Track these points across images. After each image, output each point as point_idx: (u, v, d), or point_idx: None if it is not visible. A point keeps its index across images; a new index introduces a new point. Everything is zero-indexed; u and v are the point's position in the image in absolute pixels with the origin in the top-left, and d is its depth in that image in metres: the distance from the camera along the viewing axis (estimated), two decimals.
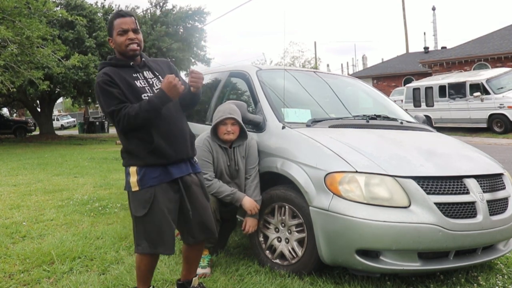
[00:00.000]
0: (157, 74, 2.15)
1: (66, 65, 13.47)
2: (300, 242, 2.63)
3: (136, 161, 2.02)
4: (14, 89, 12.05)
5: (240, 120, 2.83)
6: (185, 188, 2.09)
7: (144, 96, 2.03)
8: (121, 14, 2.09)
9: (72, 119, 40.99)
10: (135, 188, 2.02)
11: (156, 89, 2.07)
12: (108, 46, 17.27)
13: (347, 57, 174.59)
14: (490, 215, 2.43)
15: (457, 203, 2.37)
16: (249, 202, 2.75)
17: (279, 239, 2.77)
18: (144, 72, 2.12)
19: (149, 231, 2.02)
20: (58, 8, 15.74)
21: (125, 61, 2.10)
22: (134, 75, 2.08)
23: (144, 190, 2.00)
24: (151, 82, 2.10)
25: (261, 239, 2.86)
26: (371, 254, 2.33)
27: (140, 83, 2.07)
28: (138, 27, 2.11)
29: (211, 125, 2.89)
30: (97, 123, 27.80)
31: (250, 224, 2.78)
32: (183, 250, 2.29)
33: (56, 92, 18.36)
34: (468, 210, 2.38)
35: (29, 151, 13.03)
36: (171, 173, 2.04)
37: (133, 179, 2.02)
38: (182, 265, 2.34)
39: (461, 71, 16.70)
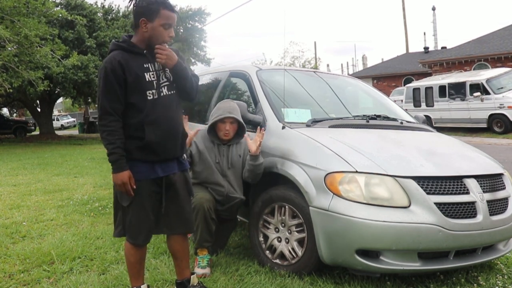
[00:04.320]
0: (165, 68, 2.11)
1: (65, 65, 13.46)
2: (300, 242, 2.63)
3: (126, 155, 2.05)
4: (11, 90, 12.04)
5: (239, 118, 2.84)
6: (168, 185, 2.13)
7: (149, 94, 2.02)
8: (170, 7, 2.01)
9: (72, 119, 41.01)
10: (133, 186, 2.05)
11: (161, 83, 2.06)
12: (108, 46, 17.27)
13: (347, 57, 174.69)
14: (490, 215, 2.43)
15: (457, 203, 2.37)
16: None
17: (279, 239, 2.77)
18: (155, 63, 2.08)
19: (129, 222, 2.09)
20: (58, 8, 15.74)
21: (139, 48, 2.04)
22: (145, 65, 2.04)
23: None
24: (158, 75, 2.07)
25: (261, 239, 2.86)
26: (371, 254, 2.33)
27: (150, 76, 2.04)
28: None
29: None
30: (97, 123, 27.77)
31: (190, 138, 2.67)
32: (168, 246, 2.31)
33: (56, 92, 18.36)
34: (468, 210, 2.38)
35: (29, 151, 13.03)
36: (157, 171, 2.08)
37: (133, 179, 2.04)
38: (174, 263, 2.35)
39: (461, 71, 16.69)
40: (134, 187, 2.02)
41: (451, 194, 2.39)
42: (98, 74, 2.04)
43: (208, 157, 2.84)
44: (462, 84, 13.85)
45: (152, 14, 1.99)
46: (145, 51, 2.05)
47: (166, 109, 2.06)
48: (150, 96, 2.03)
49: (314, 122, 2.98)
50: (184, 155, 2.24)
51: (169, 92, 2.10)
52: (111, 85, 1.97)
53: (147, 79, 2.03)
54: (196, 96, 2.22)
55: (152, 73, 2.05)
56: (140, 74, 2.01)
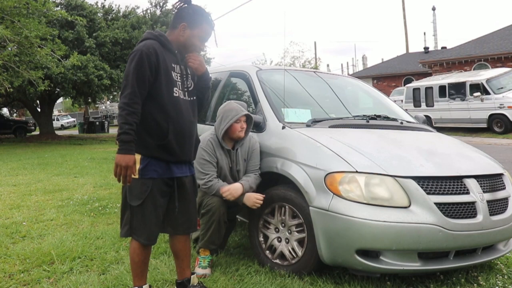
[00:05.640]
0: (190, 73, 2.20)
1: (65, 65, 13.45)
2: (300, 242, 2.63)
3: (143, 150, 2.04)
4: (11, 89, 12.04)
5: (251, 114, 2.88)
6: (179, 186, 2.15)
7: (175, 90, 2.08)
8: (211, 24, 2.13)
9: (72, 119, 41.00)
10: (135, 175, 2.03)
11: (185, 87, 2.14)
12: (108, 46, 17.29)
13: (347, 57, 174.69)
14: (490, 215, 2.43)
15: (457, 203, 2.37)
16: (248, 198, 2.74)
17: (279, 239, 2.77)
18: (182, 66, 2.15)
19: (140, 221, 2.08)
20: (58, 8, 15.74)
21: (172, 46, 2.11)
22: (173, 64, 2.11)
23: (142, 180, 2.04)
24: (183, 79, 2.15)
25: (261, 239, 2.86)
26: (371, 254, 2.33)
27: (175, 75, 2.10)
28: None
29: (211, 125, 2.88)
30: (97, 123, 27.81)
31: (252, 205, 2.74)
32: (170, 245, 2.32)
33: (56, 92, 18.36)
34: (468, 210, 2.38)
35: (29, 151, 13.03)
36: (172, 171, 2.11)
37: (136, 167, 2.03)
38: (174, 263, 2.36)
39: (461, 71, 16.70)
40: (135, 176, 1.99)
41: (451, 194, 2.39)
42: (130, 57, 2.00)
43: (223, 163, 2.86)
44: (462, 84, 13.85)
45: (194, 23, 2.09)
46: (176, 51, 2.12)
47: (187, 112, 2.12)
48: (176, 93, 2.08)
49: (314, 122, 2.98)
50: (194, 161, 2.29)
51: (190, 98, 2.17)
52: (144, 69, 1.96)
53: (173, 77, 2.09)
54: (205, 106, 2.31)
55: (177, 74, 2.12)
56: (169, 69, 2.08)
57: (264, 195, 2.76)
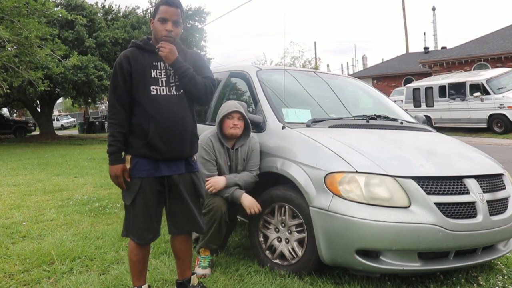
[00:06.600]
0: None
1: (65, 65, 13.45)
2: (300, 242, 2.63)
3: (132, 150, 2.11)
4: (9, 91, 12.03)
5: (246, 115, 2.85)
6: (171, 186, 2.14)
7: (152, 89, 2.06)
8: (167, 3, 2.08)
9: (72, 119, 40.99)
10: (128, 179, 2.10)
11: (171, 82, 2.10)
12: (108, 46, 17.30)
13: (347, 57, 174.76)
14: (490, 215, 2.43)
15: (457, 203, 2.37)
16: (248, 200, 2.74)
17: (279, 239, 2.77)
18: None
19: (132, 220, 2.13)
20: (58, 8, 15.73)
21: (152, 46, 2.11)
22: (154, 63, 2.10)
23: (133, 180, 2.09)
24: (169, 73, 2.12)
25: (261, 239, 2.86)
26: (371, 254, 2.33)
27: (156, 73, 2.09)
28: (181, 20, 2.13)
29: (211, 125, 2.89)
30: (97, 123, 27.81)
31: (249, 206, 2.72)
32: (171, 246, 2.31)
33: (56, 92, 18.35)
34: (468, 210, 2.38)
35: (29, 151, 13.03)
36: (161, 169, 2.10)
37: (127, 172, 2.10)
38: (175, 263, 2.36)
39: (461, 71, 16.70)
40: (128, 180, 2.07)
41: (451, 194, 2.39)
42: None
43: (222, 161, 2.86)
44: (462, 84, 13.86)
45: (155, 12, 2.12)
46: (157, 49, 2.10)
47: (172, 107, 2.08)
48: (153, 92, 2.07)
49: (314, 122, 2.98)
50: (194, 156, 2.23)
51: (177, 92, 2.12)
52: (117, 79, 2.07)
53: (153, 76, 2.09)
54: (207, 100, 2.20)
55: (160, 71, 2.11)
56: (145, 69, 2.08)
57: (260, 208, 2.75)
